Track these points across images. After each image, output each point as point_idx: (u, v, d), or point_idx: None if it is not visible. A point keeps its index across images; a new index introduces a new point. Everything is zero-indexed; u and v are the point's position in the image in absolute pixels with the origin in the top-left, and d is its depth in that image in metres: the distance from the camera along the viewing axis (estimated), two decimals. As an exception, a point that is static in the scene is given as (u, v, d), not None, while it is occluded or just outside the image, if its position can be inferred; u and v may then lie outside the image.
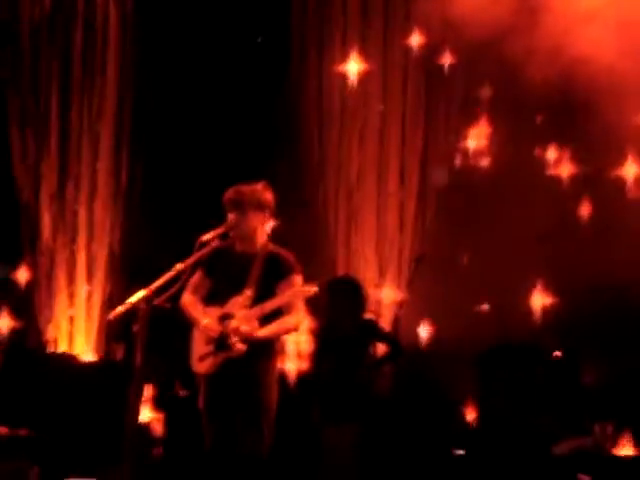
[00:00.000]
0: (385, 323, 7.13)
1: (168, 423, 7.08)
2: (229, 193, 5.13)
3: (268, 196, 5.18)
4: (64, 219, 9.40)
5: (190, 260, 4.67)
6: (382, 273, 8.40)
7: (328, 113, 8.78)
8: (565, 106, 7.99)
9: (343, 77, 8.70)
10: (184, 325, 5.23)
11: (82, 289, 9.22)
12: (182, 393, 5.08)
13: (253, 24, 8.84)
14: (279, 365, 5.32)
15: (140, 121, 9.33)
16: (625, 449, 6.72)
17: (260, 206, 5.12)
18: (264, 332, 5.00)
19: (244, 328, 4.94)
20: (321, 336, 6.58)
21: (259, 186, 5.18)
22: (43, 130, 9.53)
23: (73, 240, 9.34)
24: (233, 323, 4.96)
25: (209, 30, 8.91)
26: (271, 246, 5.22)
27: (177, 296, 5.04)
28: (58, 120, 9.54)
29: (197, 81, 9.03)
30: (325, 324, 6.58)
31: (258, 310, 4.99)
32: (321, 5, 8.76)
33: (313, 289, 5.12)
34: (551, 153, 8.55)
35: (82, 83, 9.51)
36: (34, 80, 9.58)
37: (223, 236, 4.96)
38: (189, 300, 5.17)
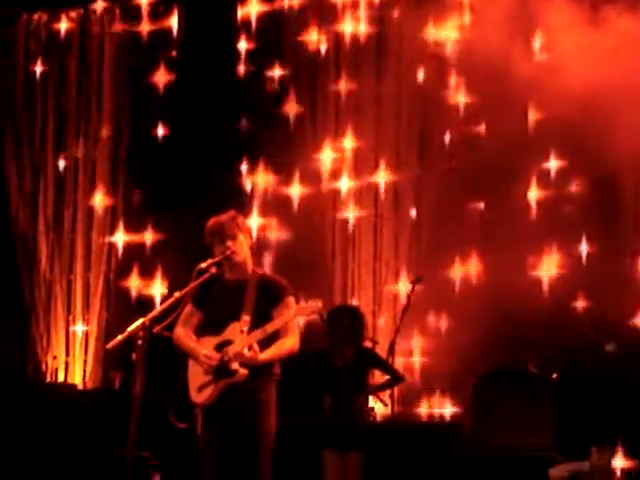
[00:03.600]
0: (382, 350, 7.11)
1: (166, 454, 7.07)
2: (213, 225, 5.11)
3: (244, 221, 5.23)
4: (61, 248, 9.42)
5: (188, 288, 4.72)
6: (378, 299, 8.45)
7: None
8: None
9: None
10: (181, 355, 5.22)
11: (79, 318, 9.24)
12: (179, 425, 5.01)
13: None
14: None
15: (136, 149, 9.38)
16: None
17: (244, 230, 5.15)
18: (266, 355, 4.97)
19: (247, 352, 4.94)
20: (321, 364, 6.56)
21: (233, 213, 5.19)
22: (39, 160, 9.58)
23: (70, 269, 9.37)
24: (236, 347, 4.95)
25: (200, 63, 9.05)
26: (260, 271, 5.25)
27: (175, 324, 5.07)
28: (54, 150, 9.59)
29: (189, 108, 9.15)
30: (324, 352, 6.57)
31: (259, 334, 4.95)
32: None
33: (319, 306, 5.20)
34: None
35: (77, 112, 9.57)
36: (30, 110, 9.63)
37: (219, 264, 4.98)
38: (182, 333, 5.14)
